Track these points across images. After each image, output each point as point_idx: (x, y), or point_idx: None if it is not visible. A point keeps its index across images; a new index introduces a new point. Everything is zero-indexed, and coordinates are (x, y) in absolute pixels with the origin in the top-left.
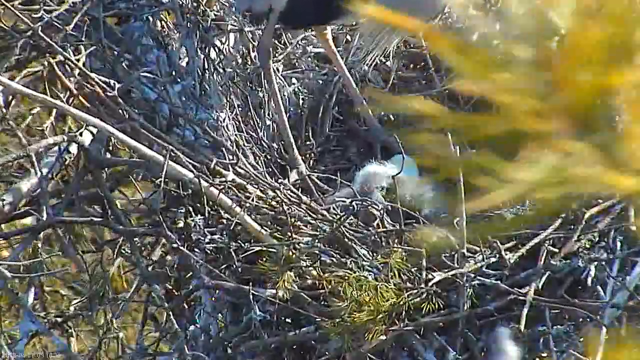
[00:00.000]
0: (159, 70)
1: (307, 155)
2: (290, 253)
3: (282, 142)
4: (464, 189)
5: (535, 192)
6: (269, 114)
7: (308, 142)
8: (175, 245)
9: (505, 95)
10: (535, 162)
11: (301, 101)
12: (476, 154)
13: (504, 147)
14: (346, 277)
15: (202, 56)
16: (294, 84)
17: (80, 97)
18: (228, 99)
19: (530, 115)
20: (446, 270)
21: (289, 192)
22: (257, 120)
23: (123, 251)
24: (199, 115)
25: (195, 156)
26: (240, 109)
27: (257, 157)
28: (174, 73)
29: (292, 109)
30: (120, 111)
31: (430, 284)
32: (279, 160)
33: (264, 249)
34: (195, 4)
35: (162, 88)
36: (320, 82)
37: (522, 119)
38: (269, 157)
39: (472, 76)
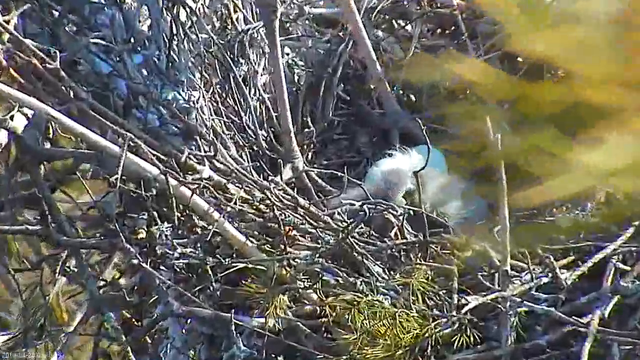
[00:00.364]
0: (113, 36)
1: (305, 146)
2: (284, 271)
3: (274, 129)
4: (507, 185)
5: (609, 183)
6: (256, 93)
7: (306, 130)
8: (135, 261)
9: (573, 60)
10: (610, 145)
11: (297, 77)
12: (531, 132)
13: (567, 125)
14: (355, 302)
15: (169, 18)
16: (287, 54)
17: (11, 70)
18: (203, 73)
19: (605, 86)
20: (484, 294)
21: (281, 192)
22: (240, 101)
23: (67, 269)
24: (165, 94)
25: (161, 147)
26: (218, 86)
27: (241, 148)
28: (132, 40)
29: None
30: (63, 88)
31: (463, 310)
32: (268, 153)
33: (250, 265)
34: None
35: (118, 59)
36: (322, 52)
37: (594, 90)
38: (255, 148)
39: (528, 38)
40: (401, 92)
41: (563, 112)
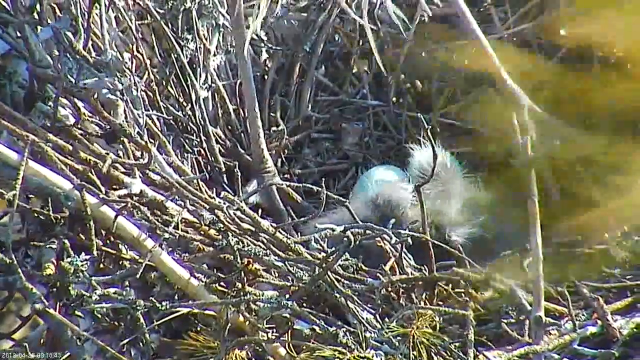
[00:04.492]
0: (10, 3)
1: (274, 151)
2: (241, 318)
3: (231, 127)
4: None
5: None
6: (207, 80)
7: (274, 129)
8: (39, 306)
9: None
10: None
11: (264, 56)
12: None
13: (626, 130)
14: (338, 359)
15: None
16: (248, 27)
17: None
18: (135, 53)
19: None
20: (510, 348)
21: (238, 212)
22: (185, 91)
23: None
24: (83, 81)
25: (76, 152)
26: (156, 70)
27: (186, 153)
28: (37, 8)
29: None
30: None
31: None
32: (224, 160)
33: (196, 311)
34: None
35: (18, 34)
36: (296, 24)
37: None
38: (205, 154)
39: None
40: (402, 77)
41: (621, 113)
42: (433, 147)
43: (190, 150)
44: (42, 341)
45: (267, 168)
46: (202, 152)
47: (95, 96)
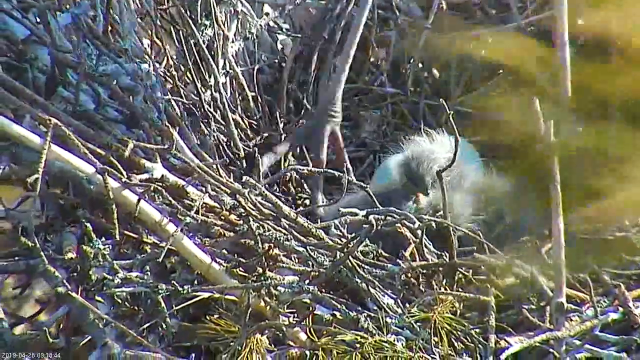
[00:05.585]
0: None
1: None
2: (262, 302)
3: (250, 113)
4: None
5: None
6: (225, 66)
7: (291, 115)
8: (61, 289)
9: None
10: None
11: (280, 45)
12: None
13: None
14: (358, 345)
15: None
16: (266, 14)
17: None
18: (154, 39)
19: None
20: (531, 334)
21: (260, 197)
22: (204, 76)
23: None
24: (102, 67)
25: (97, 137)
26: (175, 56)
27: (205, 139)
28: None
29: (264, 59)
30: None
31: (503, 356)
32: (243, 145)
33: (217, 295)
34: None
35: (38, 19)
36: (314, 12)
37: None
38: (225, 139)
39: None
40: (420, 66)
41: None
42: (455, 134)
43: (211, 135)
44: (61, 326)
45: (334, 110)
46: (223, 136)
47: (115, 82)
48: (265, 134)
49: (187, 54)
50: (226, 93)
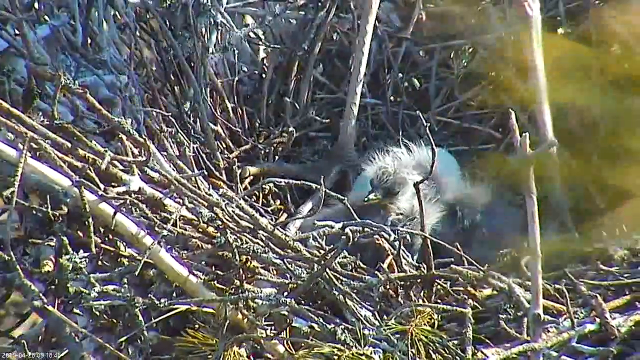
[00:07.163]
0: (8, 1)
1: (270, 148)
2: (240, 315)
3: (230, 124)
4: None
5: None
6: (205, 77)
7: (271, 127)
8: (38, 303)
9: None
10: None
11: (261, 55)
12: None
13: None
14: (336, 357)
15: None
16: (247, 26)
17: None
18: (133, 50)
19: None
20: (509, 345)
21: (237, 209)
22: (184, 88)
23: None
24: (82, 79)
25: (74, 150)
26: (154, 67)
27: (184, 149)
28: (36, 5)
29: (244, 69)
30: None
31: None
32: (221, 156)
33: (195, 308)
34: None
35: (16, 31)
36: (294, 22)
37: None
38: (203, 149)
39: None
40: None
41: None
42: (432, 145)
43: (188, 145)
44: (39, 339)
45: (350, 154)
46: (202, 147)
47: (94, 94)
48: (246, 146)
49: (166, 66)
50: (206, 104)
